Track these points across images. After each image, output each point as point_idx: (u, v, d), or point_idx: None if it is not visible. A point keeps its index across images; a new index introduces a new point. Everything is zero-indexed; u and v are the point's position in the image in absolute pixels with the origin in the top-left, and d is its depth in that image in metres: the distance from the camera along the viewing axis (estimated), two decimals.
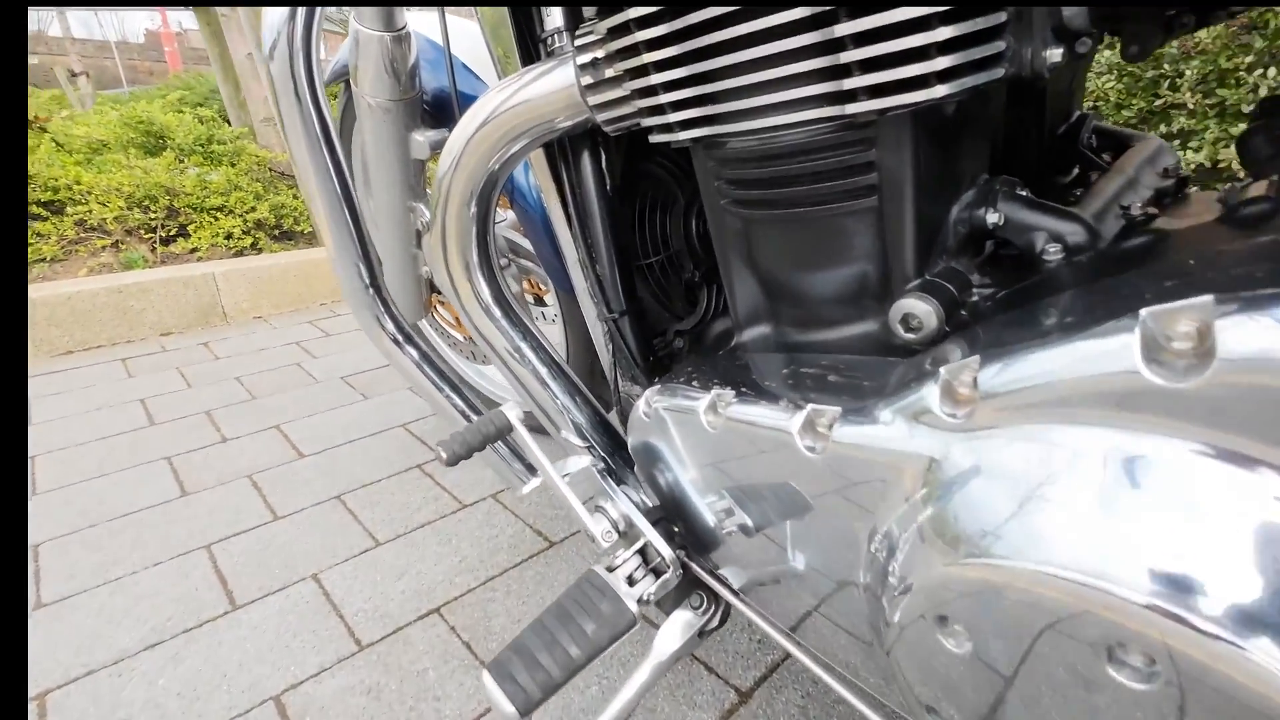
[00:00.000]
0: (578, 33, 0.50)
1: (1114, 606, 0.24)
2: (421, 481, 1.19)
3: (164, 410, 1.51)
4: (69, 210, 2.20)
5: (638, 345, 0.69)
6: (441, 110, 0.93)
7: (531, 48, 0.64)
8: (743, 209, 0.47)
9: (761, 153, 0.42)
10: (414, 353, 0.68)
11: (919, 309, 0.39)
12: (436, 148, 0.93)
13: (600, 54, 0.48)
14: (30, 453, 1.32)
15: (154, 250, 2.29)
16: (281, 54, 0.50)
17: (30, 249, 2.13)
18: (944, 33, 0.31)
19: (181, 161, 2.43)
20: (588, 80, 0.50)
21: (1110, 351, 0.25)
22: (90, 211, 2.21)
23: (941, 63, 0.32)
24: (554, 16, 0.59)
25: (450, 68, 0.81)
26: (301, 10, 0.50)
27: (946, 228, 0.41)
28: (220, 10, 2.61)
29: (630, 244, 0.69)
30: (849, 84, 0.34)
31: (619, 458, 0.72)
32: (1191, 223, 0.40)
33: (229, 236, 2.39)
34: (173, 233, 2.35)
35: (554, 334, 1.17)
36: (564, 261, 0.73)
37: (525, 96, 0.55)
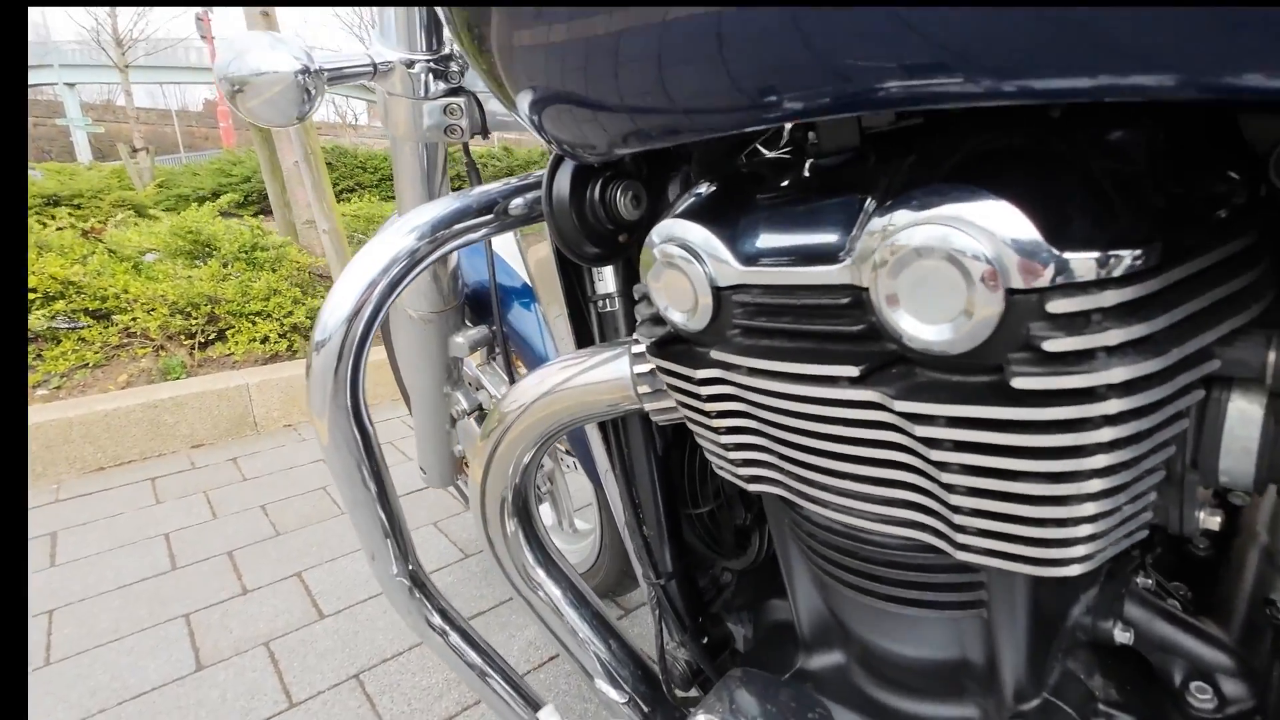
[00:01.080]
0: (638, 341, 0.47)
1: None
2: None
3: (187, 549, 1.48)
4: (115, 318, 2.26)
5: (686, 606, 0.64)
6: (480, 306, 0.92)
7: (583, 304, 0.62)
8: (820, 564, 0.42)
9: (844, 534, 0.38)
10: (457, 639, 0.63)
11: None
12: (476, 346, 0.92)
13: (652, 367, 0.45)
14: (51, 605, 1.29)
15: (192, 354, 2.33)
16: (331, 352, 0.48)
17: (75, 355, 2.18)
18: (1092, 488, 0.26)
19: (226, 267, 2.50)
20: (644, 389, 0.47)
21: None
22: (135, 319, 2.26)
23: (1084, 539, 0.27)
24: (604, 278, 0.57)
25: (493, 278, 0.80)
26: (366, 311, 0.48)
27: (1065, 633, 0.36)
28: None
29: (680, 491, 0.64)
30: (960, 538, 0.30)
31: (660, 713, 0.65)
32: None
33: (265, 340, 2.43)
34: (211, 337, 2.39)
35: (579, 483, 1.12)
36: (608, 501, 0.69)
37: (583, 381, 0.52)
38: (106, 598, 1.31)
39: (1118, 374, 0.22)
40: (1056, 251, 0.22)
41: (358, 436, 0.51)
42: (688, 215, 0.34)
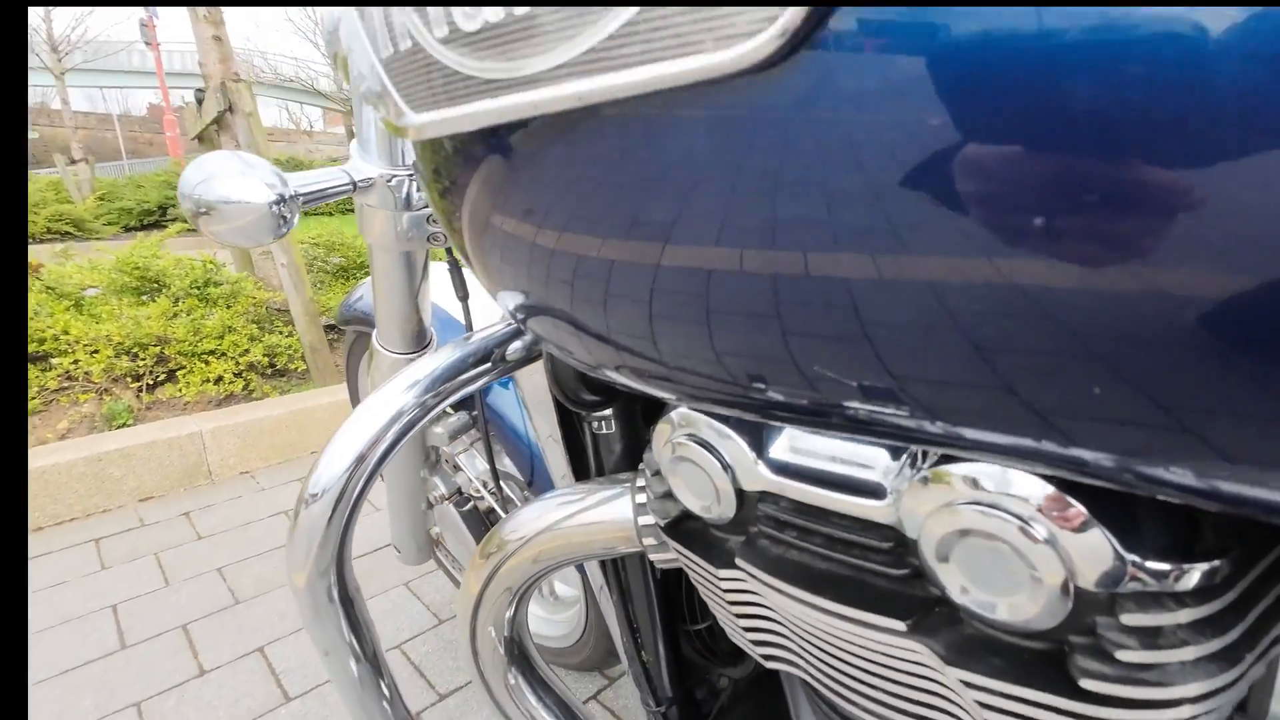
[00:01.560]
0: (639, 488, 0.45)
1: None
2: None
3: (136, 624, 1.39)
4: (54, 361, 2.13)
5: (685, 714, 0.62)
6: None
7: (578, 425, 0.59)
8: None
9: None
10: None
11: None
12: (456, 434, 0.88)
13: (659, 522, 0.43)
14: None
15: (139, 397, 2.21)
16: (324, 506, 0.45)
17: None
18: None
19: (176, 304, 2.38)
20: (649, 540, 0.45)
21: None
22: (77, 362, 2.13)
23: None
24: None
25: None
26: (365, 471, 0.44)
27: None
28: (228, 148, 2.64)
29: (678, 607, 0.62)
30: None
31: None
32: None
33: (218, 381, 2.32)
34: (160, 379, 2.27)
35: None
36: (608, 627, 0.66)
37: (584, 520, 0.49)
38: (46, 687, 1.21)
39: (1194, 689, 0.21)
40: (1129, 556, 0.21)
41: (340, 605, 0.48)
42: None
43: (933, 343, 0.18)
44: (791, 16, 0.14)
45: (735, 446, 0.32)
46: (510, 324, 0.50)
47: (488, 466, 0.94)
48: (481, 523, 0.93)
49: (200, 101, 2.60)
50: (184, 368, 2.30)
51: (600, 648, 0.99)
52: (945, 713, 0.29)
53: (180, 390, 2.27)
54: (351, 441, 0.43)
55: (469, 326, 0.71)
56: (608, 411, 0.54)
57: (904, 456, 0.27)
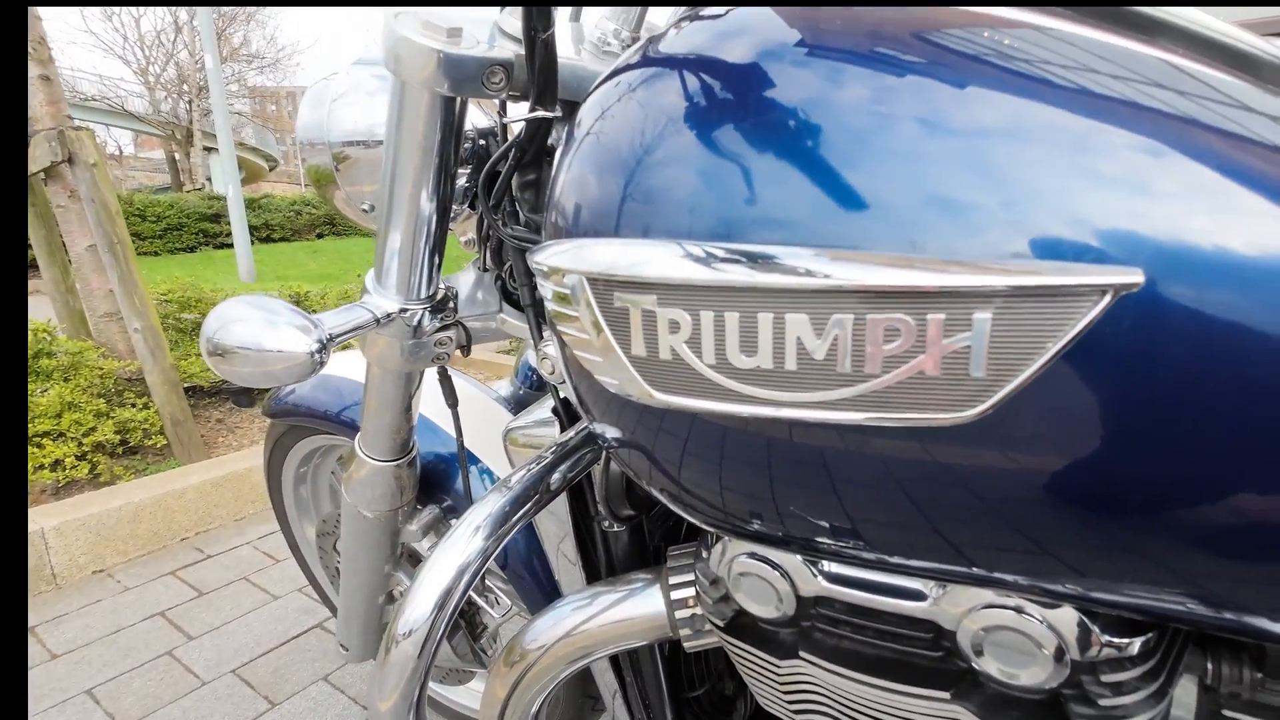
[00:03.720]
0: (672, 575, 0.52)
1: None
2: None
3: None
4: None
5: None
6: (431, 484, 0.89)
7: (585, 526, 0.65)
8: None
9: None
10: None
11: None
12: (429, 530, 0.89)
13: (697, 613, 0.50)
14: None
15: None
16: (414, 643, 0.48)
17: None
18: None
19: None
20: (686, 632, 0.52)
21: None
22: None
23: None
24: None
25: (464, 466, 0.79)
26: (445, 615, 0.48)
27: None
28: (59, 201, 2.33)
29: (677, 677, 0.69)
30: None
31: None
32: None
33: (56, 466, 2.01)
34: None
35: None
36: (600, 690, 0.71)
37: (612, 617, 0.55)
38: None
39: (1142, 716, 0.33)
40: (1103, 636, 0.33)
41: None
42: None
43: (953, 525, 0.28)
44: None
45: (794, 561, 0.41)
46: (543, 460, 0.55)
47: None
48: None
49: None
50: None
51: (571, 701, 1.01)
52: None
53: None
54: (434, 586, 0.47)
55: (459, 431, 0.74)
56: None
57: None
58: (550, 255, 0.30)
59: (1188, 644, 0.37)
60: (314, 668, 1.44)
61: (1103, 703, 0.33)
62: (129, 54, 20.57)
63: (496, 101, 0.59)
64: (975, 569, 0.30)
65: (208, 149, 19.77)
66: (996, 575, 0.30)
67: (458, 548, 0.48)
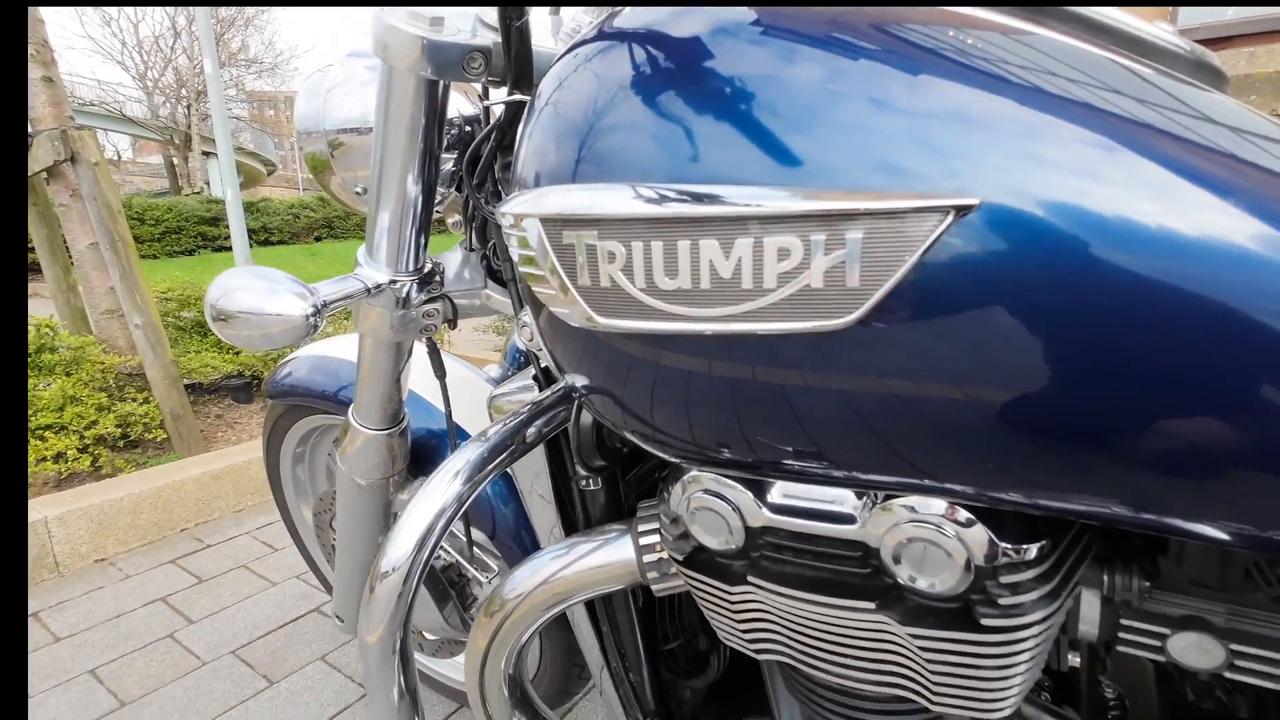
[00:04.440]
0: (641, 529, 0.56)
1: None
2: None
3: None
4: None
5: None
6: (420, 456, 0.94)
7: (565, 485, 0.70)
8: (813, 705, 0.54)
9: (843, 689, 0.51)
10: None
11: None
12: None
13: (663, 556, 0.54)
14: None
15: None
16: (396, 579, 0.52)
17: None
18: (1019, 670, 0.41)
19: None
20: (653, 574, 0.56)
21: None
22: None
23: (1010, 697, 0.42)
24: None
25: (452, 436, 0.83)
26: (425, 552, 0.52)
27: None
28: (61, 200, 2.37)
29: (654, 632, 0.73)
30: (935, 699, 0.44)
31: None
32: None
33: (59, 458, 2.05)
34: None
35: None
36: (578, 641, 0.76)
37: (585, 567, 0.60)
38: None
39: (1038, 615, 0.38)
40: (1006, 545, 0.37)
41: (400, 658, 0.54)
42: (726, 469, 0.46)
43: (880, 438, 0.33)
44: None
45: (743, 496, 0.45)
46: (520, 417, 0.59)
47: (465, 536, 0.99)
48: (438, 582, 0.97)
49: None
50: None
51: (558, 669, 1.06)
52: (893, 663, 0.43)
53: None
54: (415, 526, 0.51)
55: (447, 402, 0.79)
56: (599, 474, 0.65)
57: (864, 496, 0.42)
58: (513, 205, 0.34)
59: (1084, 558, 0.41)
60: (311, 649, 1.48)
61: (1003, 602, 0.38)
62: (127, 59, 20.63)
63: (479, 87, 0.63)
64: (886, 472, 0.34)
65: (206, 153, 19.81)
66: (903, 477, 0.34)
67: (437, 491, 0.52)
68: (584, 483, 0.65)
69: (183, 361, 2.57)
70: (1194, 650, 0.40)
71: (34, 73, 2.31)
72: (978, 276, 0.26)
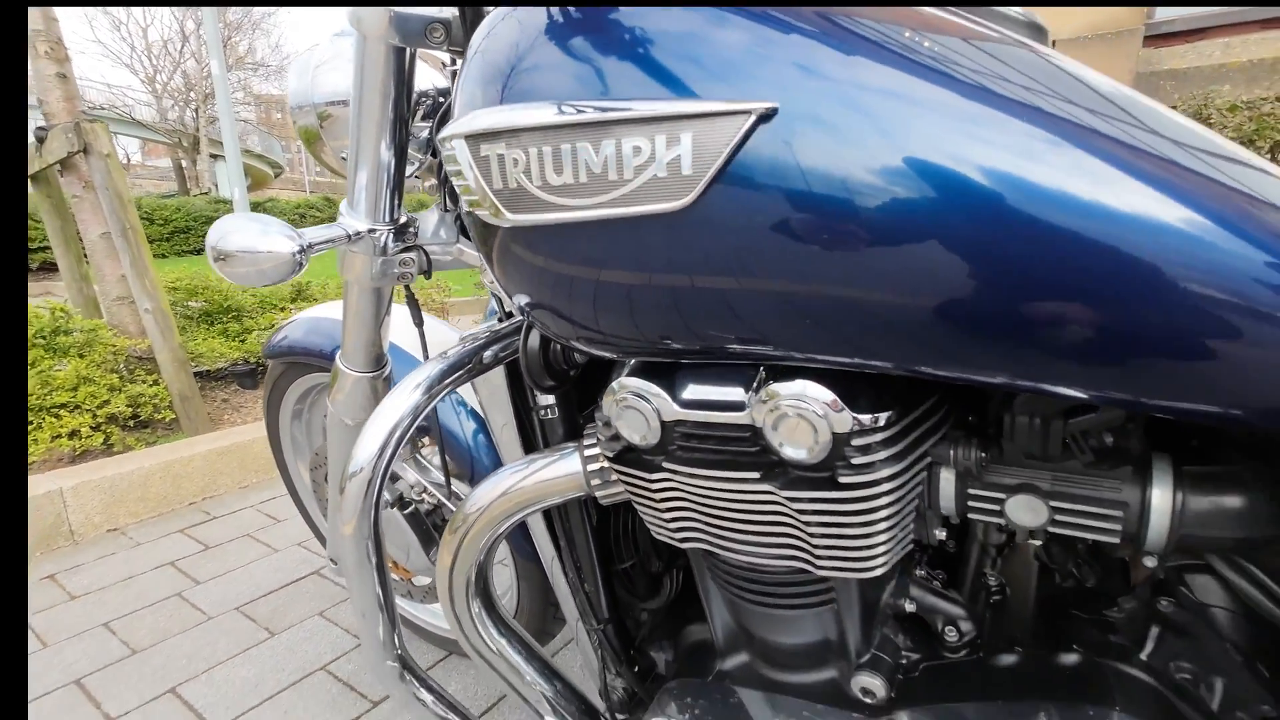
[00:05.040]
0: (586, 443, 0.64)
1: None
2: None
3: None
4: None
5: (620, 644, 0.81)
6: None
7: (525, 415, 0.78)
8: (734, 591, 0.62)
9: (748, 567, 0.59)
10: (429, 698, 0.74)
11: (874, 685, 0.56)
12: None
13: (604, 465, 0.63)
14: None
15: None
16: (361, 480, 0.60)
17: None
18: (880, 526, 0.49)
19: None
20: (596, 482, 0.64)
21: None
22: None
23: (879, 554, 0.50)
24: (546, 394, 0.73)
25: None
26: (388, 452, 0.61)
27: (880, 611, 0.59)
28: (73, 191, 2.48)
29: (608, 551, 0.82)
30: (818, 562, 0.52)
31: None
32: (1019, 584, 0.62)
33: (74, 435, 2.15)
34: None
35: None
36: (533, 545, 0.84)
37: (539, 480, 0.68)
38: None
39: (888, 472, 0.46)
40: (860, 415, 0.45)
41: (374, 550, 0.63)
42: (644, 374, 0.54)
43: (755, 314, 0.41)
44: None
45: (659, 395, 0.53)
46: (478, 341, 0.68)
47: (426, 474, 1.08)
48: (421, 524, 1.06)
49: (41, 140, 2.43)
50: (31, 424, 2.11)
51: (534, 610, 1.14)
52: (783, 533, 0.51)
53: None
54: (379, 430, 0.60)
55: (425, 349, 0.87)
56: (552, 400, 0.73)
57: (751, 387, 0.50)
58: (446, 131, 0.43)
59: (930, 434, 0.49)
60: (310, 605, 1.57)
61: (855, 462, 0.45)
62: (137, 63, 20.88)
63: (446, 58, 0.72)
64: (750, 344, 0.42)
65: (214, 156, 20.03)
66: (761, 347, 0.42)
67: (399, 400, 0.61)
68: (543, 412, 0.74)
69: (190, 346, 2.67)
70: (1024, 510, 0.48)
71: (49, 69, 2.42)
72: (785, 166, 0.34)
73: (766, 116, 0.33)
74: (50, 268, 2.64)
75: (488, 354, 0.67)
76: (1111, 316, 0.33)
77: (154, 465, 2.08)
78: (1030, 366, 0.37)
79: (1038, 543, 0.50)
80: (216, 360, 2.81)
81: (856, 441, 0.46)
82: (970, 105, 0.34)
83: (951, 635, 0.58)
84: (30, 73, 2.42)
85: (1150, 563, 0.50)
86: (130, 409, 2.29)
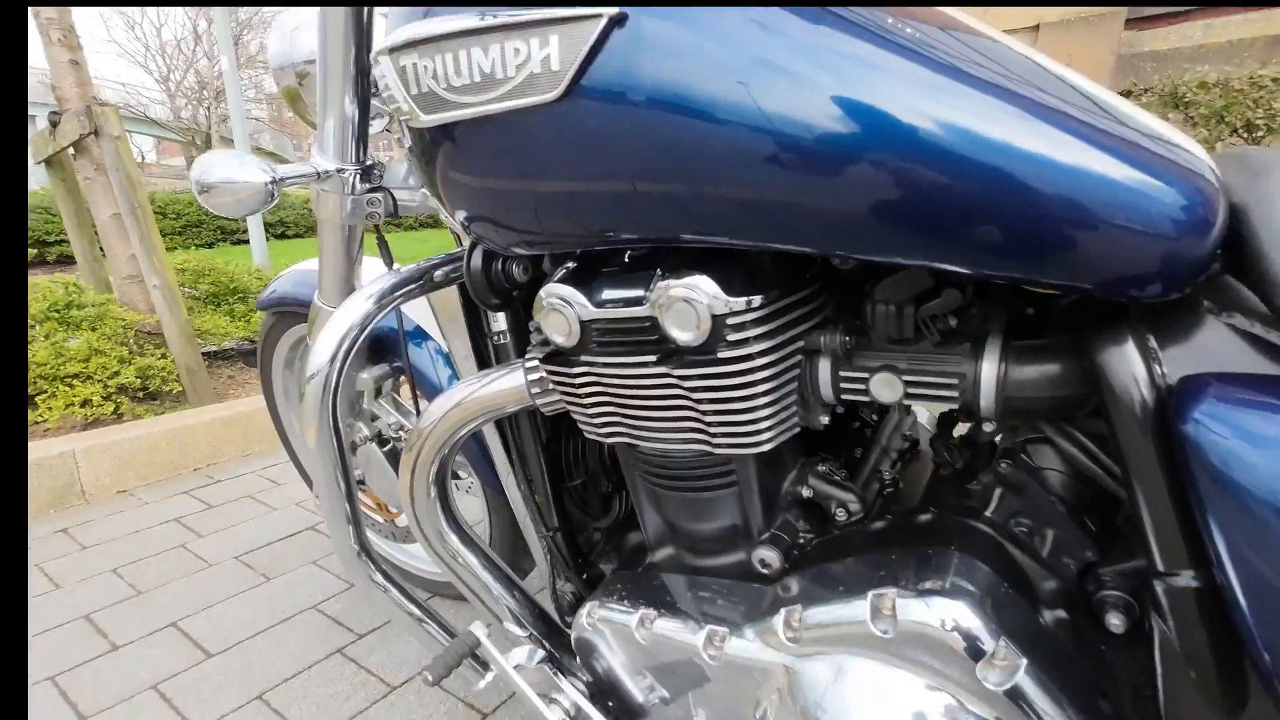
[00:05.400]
0: (528, 359, 0.72)
1: None
2: (345, 667, 1.24)
3: (32, 620, 1.41)
4: None
5: (569, 551, 0.89)
6: (378, 347, 1.11)
7: (481, 340, 0.86)
8: (652, 480, 0.70)
9: (663, 456, 0.66)
10: (396, 593, 0.82)
11: (769, 556, 0.63)
12: (379, 381, 1.11)
13: (544, 375, 0.70)
14: None
15: None
16: (320, 380, 0.68)
17: None
18: (761, 401, 0.56)
19: (33, 328, 2.30)
20: (536, 390, 0.72)
21: (850, 614, 0.50)
22: None
23: (765, 429, 0.58)
24: (498, 320, 0.81)
25: (400, 324, 1.00)
26: (341, 353, 0.69)
27: (780, 496, 0.67)
28: (85, 173, 2.59)
29: (559, 469, 0.89)
30: (714, 440, 0.59)
31: (554, 640, 0.88)
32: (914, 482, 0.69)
33: (85, 404, 2.26)
34: None
35: (473, 505, 1.31)
36: (497, 474, 0.92)
37: (488, 392, 0.76)
38: None
39: (758, 348, 0.53)
40: (732, 299, 0.53)
41: (335, 446, 0.71)
42: (565, 280, 0.61)
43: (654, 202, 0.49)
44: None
45: (577, 297, 0.61)
46: (433, 260, 0.76)
47: (407, 416, 1.16)
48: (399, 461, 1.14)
49: (55, 125, 2.54)
50: (45, 392, 2.22)
51: (505, 542, 1.22)
52: (682, 414, 0.59)
53: (41, 415, 2.19)
54: (331, 336, 0.68)
55: None
56: (505, 327, 0.80)
57: (649, 284, 0.57)
58: (375, 48, 0.51)
59: (802, 319, 0.57)
60: (305, 555, 1.66)
61: (731, 338, 0.53)
62: (150, 62, 21.18)
63: None
64: (634, 229, 0.50)
65: None
66: (647, 233, 0.50)
67: (352, 308, 0.69)
68: (496, 338, 0.82)
69: (196, 322, 2.77)
70: (884, 386, 0.55)
71: (62, 57, 2.52)
72: (638, 63, 0.41)
73: (619, 21, 0.41)
74: (68, 260, 2.76)
75: (439, 273, 0.75)
76: (969, 200, 0.40)
77: (162, 432, 2.19)
78: (883, 241, 0.44)
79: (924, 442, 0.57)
80: (223, 340, 2.92)
81: (732, 321, 0.53)
82: (818, 21, 0.41)
83: (841, 515, 0.66)
84: (45, 60, 2.53)
85: (989, 427, 0.57)
86: (139, 380, 2.39)
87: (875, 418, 0.80)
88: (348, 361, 0.70)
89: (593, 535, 0.96)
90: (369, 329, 0.71)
